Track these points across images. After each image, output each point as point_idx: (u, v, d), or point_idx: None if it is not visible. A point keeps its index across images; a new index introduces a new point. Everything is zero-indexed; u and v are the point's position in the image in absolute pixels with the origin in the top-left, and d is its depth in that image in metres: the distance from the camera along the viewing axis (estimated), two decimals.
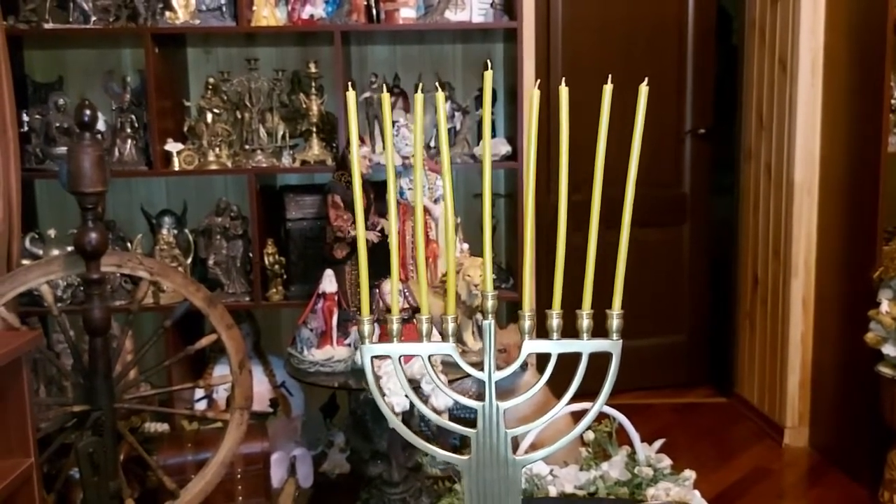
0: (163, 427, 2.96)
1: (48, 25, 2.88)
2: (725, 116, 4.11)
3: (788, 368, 3.46)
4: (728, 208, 4.04)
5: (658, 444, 2.38)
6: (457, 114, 3.15)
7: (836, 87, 3.19)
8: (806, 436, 3.47)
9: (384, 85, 1.13)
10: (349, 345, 2.64)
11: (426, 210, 2.80)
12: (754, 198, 3.71)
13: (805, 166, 3.33)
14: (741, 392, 3.89)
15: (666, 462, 2.33)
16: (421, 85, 0.99)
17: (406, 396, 2.22)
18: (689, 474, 2.31)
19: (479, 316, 2.67)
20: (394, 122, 3.06)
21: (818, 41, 3.26)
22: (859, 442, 3.07)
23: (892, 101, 2.98)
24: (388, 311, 2.40)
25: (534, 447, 2.21)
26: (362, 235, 1.01)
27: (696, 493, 2.28)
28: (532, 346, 1.03)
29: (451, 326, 1.02)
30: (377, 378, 2.39)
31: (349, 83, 0.99)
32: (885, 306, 2.72)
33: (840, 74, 3.16)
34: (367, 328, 1.03)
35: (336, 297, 2.65)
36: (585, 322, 1.03)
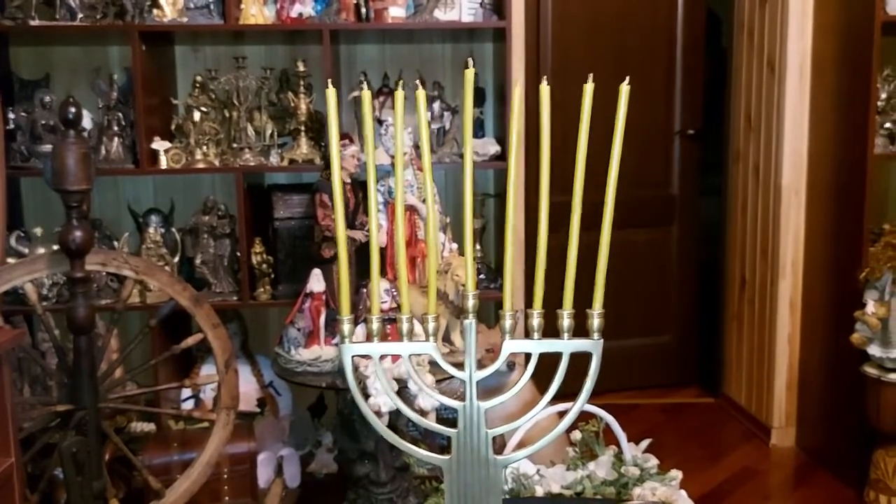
0: (149, 427, 2.94)
1: (34, 22, 2.86)
2: (714, 118, 4.12)
3: (775, 369, 3.47)
4: (716, 209, 4.06)
5: (645, 443, 2.39)
6: (446, 113, 3.15)
7: (824, 89, 3.20)
8: (793, 436, 3.48)
9: (366, 83, 1.12)
10: (336, 344, 2.63)
11: (414, 209, 2.79)
12: (742, 199, 3.72)
13: (793, 168, 3.35)
14: (728, 392, 3.90)
15: (653, 462, 2.33)
16: (402, 82, 0.98)
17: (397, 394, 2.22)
18: (676, 474, 2.31)
19: None
20: (382, 122, 3.06)
21: (806, 43, 3.27)
22: (846, 442, 3.08)
23: (879, 103, 2.99)
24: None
25: (521, 446, 2.21)
26: (342, 234, 1.00)
27: (683, 492, 2.29)
28: (513, 346, 1.03)
29: (431, 325, 1.01)
30: (362, 378, 2.40)
31: (328, 81, 0.99)
32: (870, 307, 2.73)
33: (828, 76, 3.17)
34: (347, 327, 1.02)
35: (324, 297, 2.64)
36: (566, 322, 1.03)
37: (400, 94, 0.94)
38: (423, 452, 1.05)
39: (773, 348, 3.48)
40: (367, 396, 2.35)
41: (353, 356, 2.40)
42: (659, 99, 3.96)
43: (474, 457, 1.00)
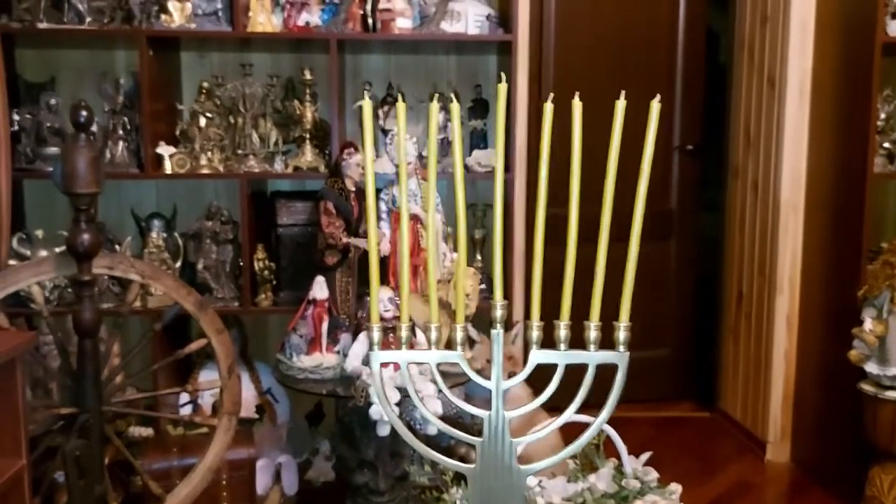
0: (147, 431, 2.93)
1: (42, 25, 2.86)
2: (713, 133, 4.16)
3: (772, 384, 3.49)
4: (714, 224, 4.08)
5: (645, 457, 2.40)
6: (449, 124, 3.16)
7: (824, 108, 3.23)
8: (788, 451, 3.50)
9: (400, 94, 1.15)
10: (338, 352, 2.64)
11: (418, 218, 2.80)
12: (740, 214, 3.75)
13: (791, 184, 3.38)
14: (724, 407, 3.92)
15: (653, 475, 2.34)
16: (436, 95, 1.00)
17: (397, 405, 2.23)
18: (676, 487, 2.32)
19: (468, 325, 2.68)
20: (387, 131, 3.07)
21: (807, 61, 3.31)
22: (841, 458, 3.10)
23: (879, 123, 3.03)
24: (380, 319, 2.41)
25: (520, 459, 2.22)
26: (374, 240, 1.02)
27: None
28: (539, 357, 1.04)
29: (459, 335, 1.02)
30: (364, 386, 2.40)
31: (365, 90, 1.00)
32: (868, 324, 2.75)
33: (828, 95, 3.21)
34: (376, 335, 1.03)
35: (326, 305, 2.65)
36: (593, 334, 1.04)
37: (434, 105, 0.95)
38: (450, 461, 1.06)
39: (769, 363, 3.51)
40: (369, 405, 2.36)
41: (355, 366, 2.39)
42: (659, 114, 3.98)
43: (498, 465, 1.01)
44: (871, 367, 2.78)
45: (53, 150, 2.94)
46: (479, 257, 3.28)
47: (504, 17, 3.04)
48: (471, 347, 2.67)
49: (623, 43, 3.87)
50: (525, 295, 3.27)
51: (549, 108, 0.97)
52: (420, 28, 3.01)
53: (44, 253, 2.84)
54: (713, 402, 4.02)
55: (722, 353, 3.95)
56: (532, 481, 2.26)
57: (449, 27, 3.00)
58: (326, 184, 2.73)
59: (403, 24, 2.96)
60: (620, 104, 0.99)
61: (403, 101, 1.02)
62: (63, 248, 2.27)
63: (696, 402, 4.15)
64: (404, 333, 1.03)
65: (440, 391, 2.43)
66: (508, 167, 3.05)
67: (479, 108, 3.22)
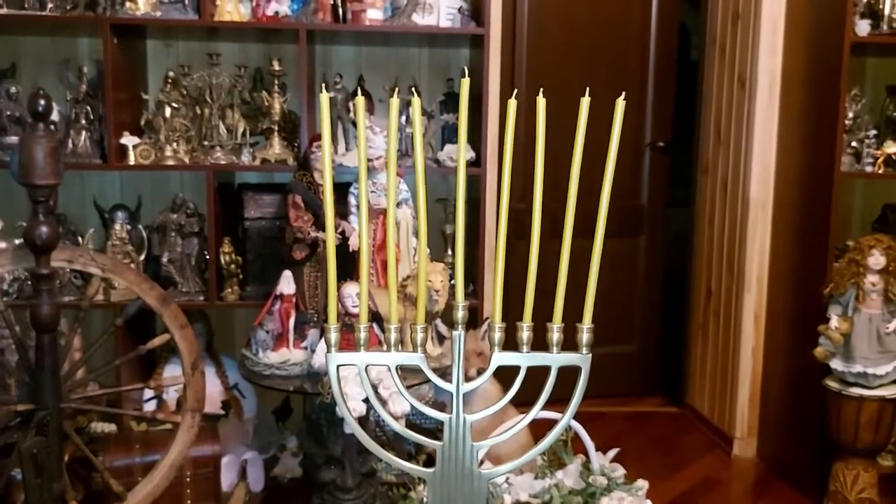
0: (110, 427, 2.88)
1: (2, 10, 2.79)
2: (684, 130, 4.17)
3: (739, 380, 3.51)
4: (684, 221, 4.10)
5: (612, 453, 2.40)
6: (419, 118, 3.13)
7: (793, 106, 3.25)
8: (754, 447, 3.53)
9: (360, 86, 1.13)
10: (305, 348, 2.61)
11: (387, 213, 2.77)
12: (710, 211, 3.77)
13: (760, 182, 3.40)
14: (692, 402, 3.94)
15: (620, 472, 2.35)
16: (397, 89, 0.98)
17: (364, 401, 2.20)
18: (642, 484, 2.33)
19: (438, 321, 2.66)
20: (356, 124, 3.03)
21: (777, 60, 3.32)
22: (806, 454, 3.13)
23: (847, 122, 3.04)
24: (347, 314, 2.38)
25: (488, 456, 2.21)
26: (331, 238, 0.99)
27: (649, 502, 2.31)
28: (501, 359, 1.02)
29: (419, 336, 1.00)
30: (339, 386, 2.37)
31: (323, 84, 0.97)
32: (834, 322, 2.78)
33: (797, 94, 3.22)
34: (333, 336, 1.01)
35: (294, 300, 2.61)
36: (556, 336, 1.02)
37: (395, 101, 0.93)
38: (408, 465, 1.04)
39: (736, 360, 3.53)
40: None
41: (322, 362, 2.35)
42: (630, 111, 3.95)
43: (459, 469, 0.99)
44: (836, 364, 2.81)
45: (13, 139, 2.87)
46: (449, 252, 3.25)
47: (476, 10, 3.01)
48: (440, 344, 2.65)
49: (596, 39, 3.87)
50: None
51: (512, 104, 0.95)
52: (391, 19, 2.97)
53: (3, 244, 2.77)
54: (681, 398, 4.04)
55: (690, 349, 3.97)
56: (500, 478, 2.25)
57: (420, 19, 2.97)
58: (295, 177, 2.70)
59: (374, 15, 2.92)
60: (585, 102, 0.97)
61: (364, 93, 1.00)
62: (22, 240, 2.21)
63: (664, 398, 4.17)
64: (362, 335, 1.01)
65: (408, 389, 2.42)
66: (479, 162, 3.02)
67: (451, 102, 3.19)
